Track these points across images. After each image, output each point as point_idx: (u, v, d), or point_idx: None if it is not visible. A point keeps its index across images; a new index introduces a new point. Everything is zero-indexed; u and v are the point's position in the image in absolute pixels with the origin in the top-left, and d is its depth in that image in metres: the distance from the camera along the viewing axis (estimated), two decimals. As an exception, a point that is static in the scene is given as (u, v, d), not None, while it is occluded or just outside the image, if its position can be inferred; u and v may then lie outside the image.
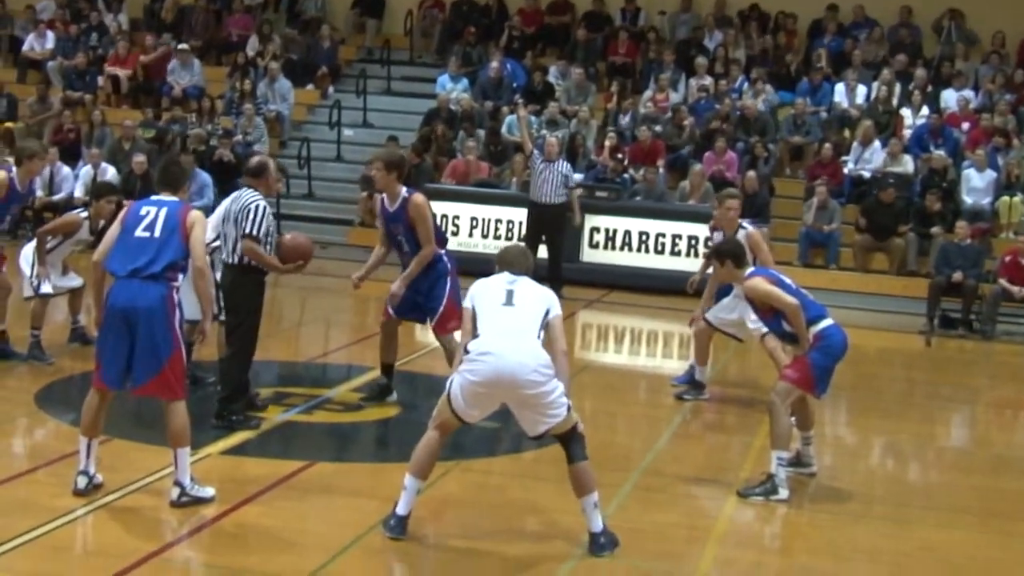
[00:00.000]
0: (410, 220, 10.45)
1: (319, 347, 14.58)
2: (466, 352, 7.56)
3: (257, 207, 9.66)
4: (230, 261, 9.78)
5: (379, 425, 10.64)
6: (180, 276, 7.93)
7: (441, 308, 10.60)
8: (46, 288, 11.85)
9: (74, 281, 12.35)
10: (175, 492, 7.93)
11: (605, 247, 19.65)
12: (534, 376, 7.34)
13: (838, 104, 22.76)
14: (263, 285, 9.95)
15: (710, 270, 12.11)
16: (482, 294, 7.70)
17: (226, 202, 10.04)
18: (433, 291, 10.66)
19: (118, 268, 7.87)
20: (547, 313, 7.59)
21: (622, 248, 19.61)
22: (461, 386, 7.50)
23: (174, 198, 8.12)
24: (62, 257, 12.14)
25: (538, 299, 7.65)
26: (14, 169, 11.26)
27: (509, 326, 7.50)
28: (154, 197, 8.15)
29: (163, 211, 7.96)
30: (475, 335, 7.57)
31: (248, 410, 10.10)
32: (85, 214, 12.07)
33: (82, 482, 7.97)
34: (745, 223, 11.81)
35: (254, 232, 9.62)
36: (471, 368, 7.46)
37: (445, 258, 10.75)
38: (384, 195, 10.64)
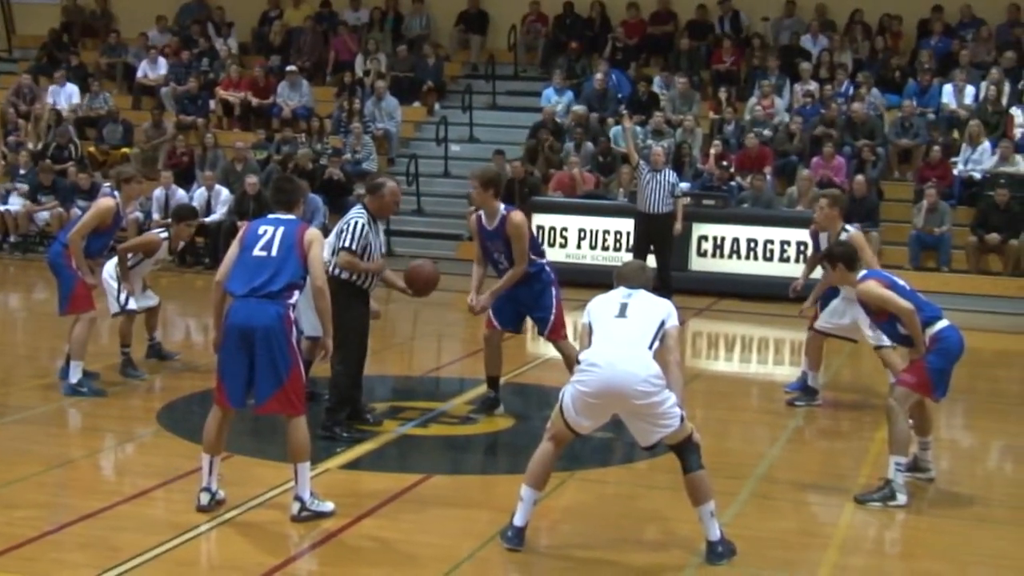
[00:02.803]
0: (508, 238, 10.47)
1: (432, 361, 14.65)
2: (578, 363, 7.58)
3: (356, 223, 9.71)
4: (334, 273, 9.81)
5: (493, 437, 10.65)
6: (296, 294, 8.00)
7: (552, 317, 10.64)
8: (132, 305, 12.09)
9: (151, 300, 12.56)
10: (296, 507, 8.00)
11: (713, 255, 19.53)
12: (643, 387, 7.30)
13: (946, 105, 22.41)
14: (365, 297, 9.95)
15: (814, 274, 12.01)
16: (598, 308, 7.71)
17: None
18: (540, 301, 10.68)
19: (236, 287, 7.96)
20: (662, 324, 7.56)
21: (730, 256, 19.48)
22: (572, 397, 7.50)
23: (290, 216, 8.20)
24: (142, 275, 12.35)
25: (653, 310, 7.62)
26: (117, 194, 11.47)
27: (620, 337, 7.49)
28: (271, 216, 8.24)
29: (280, 230, 8.04)
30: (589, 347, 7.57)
31: (355, 423, 10.18)
32: (165, 235, 12.28)
33: (205, 498, 8.08)
34: (848, 226, 11.68)
35: (351, 246, 9.66)
36: (581, 379, 7.46)
37: (547, 268, 10.78)
38: (482, 212, 10.66)
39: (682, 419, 7.45)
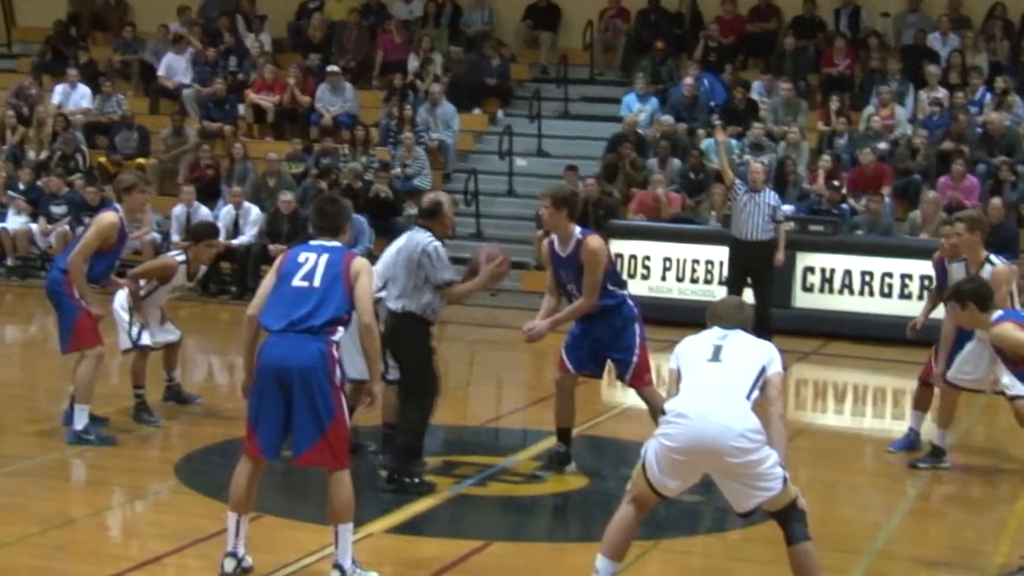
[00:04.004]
0: (582, 266, 10.51)
1: (491, 409, 14.67)
2: (663, 414, 7.56)
3: (437, 249, 9.95)
4: (397, 309, 10.01)
5: (562, 499, 10.67)
6: (340, 330, 8.06)
7: (634, 360, 10.62)
8: (146, 340, 12.16)
9: (171, 335, 12.61)
10: (335, 576, 8.03)
11: (821, 290, 19.45)
12: (740, 442, 7.28)
13: (1100, 116, 22.27)
14: (431, 332, 10.15)
15: (936, 313, 11.90)
16: (687, 351, 7.71)
17: (394, 246, 10.26)
18: (621, 340, 10.68)
19: (272, 322, 8.01)
20: (763, 370, 7.54)
21: (842, 291, 19.41)
22: (657, 453, 7.48)
23: (335, 243, 8.28)
24: (158, 305, 12.42)
25: (752, 354, 7.62)
26: (120, 208, 11.57)
27: (713, 385, 7.48)
28: (313, 242, 8.31)
29: (324, 258, 8.10)
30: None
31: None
32: (182, 258, 12.38)
33: (230, 565, 8.08)
34: (993, 256, 11.54)
35: (449, 280, 9.99)
36: (667, 432, 7.45)
37: (629, 301, 10.78)
38: (555, 237, 10.71)
39: (785, 481, 7.41)
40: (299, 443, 7.97)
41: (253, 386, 8.07)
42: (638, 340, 10.70)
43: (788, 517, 7.49)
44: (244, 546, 8.15)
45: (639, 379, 10.72)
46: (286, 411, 7.92)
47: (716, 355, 7.61)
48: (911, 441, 12.14)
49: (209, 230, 12.95)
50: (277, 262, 8.31)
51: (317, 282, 8.03)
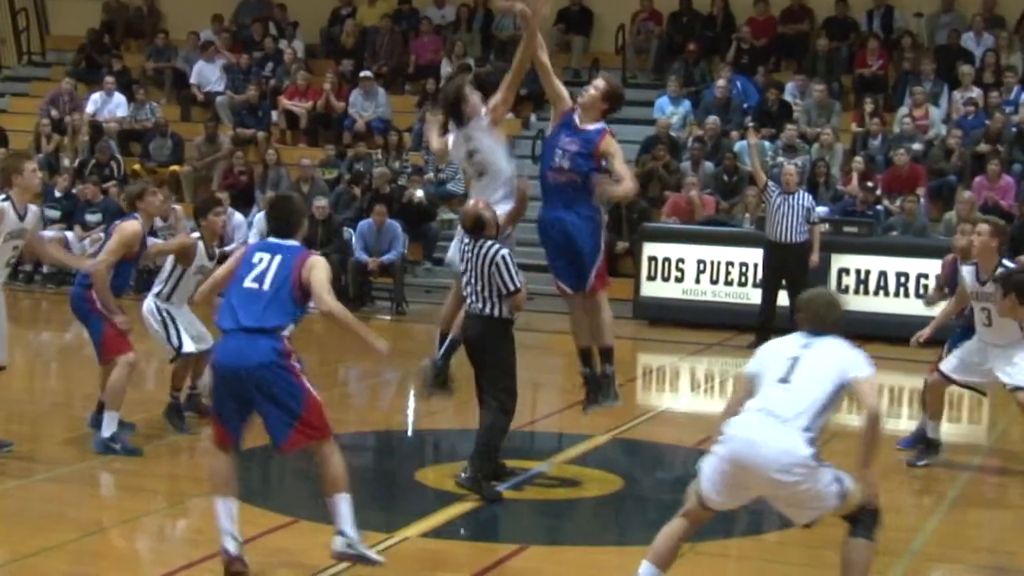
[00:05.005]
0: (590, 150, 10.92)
1: (527, 413, 14.63)
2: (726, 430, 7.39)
3: (504, 258, 10.27)
4: (485, 312, 10.30)
5: (600, 502, 10.65)
6: (291, 326, 8.06)
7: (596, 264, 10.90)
8: (189, 347, 12.13)
9: (203, 343, 12.58)
10: (339, 542, 7.97)
11: (856, 291, 19.39)
12: (783, 476, 7.14)
13: None
14: (513, 332, 10.47)
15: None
16: (766, 361, 7.51)
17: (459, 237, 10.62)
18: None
19: (225, 322, 8.06)
20: (840, 387, 7.32)
21: (876, 292, 19.35)
22: (710, 464, 7.38)
23: (292, 242, 8.26)
24: (188, 293, 12.31)
25: (829, 369, 7.35)
26: (139, 216, 11.62)
27: (773, 410, 7.25)
28: (271, 240, 8.33)
29: (276, 260, 8.10)
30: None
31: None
32: (197, 234, 12.34)
33: (232, 545, 7.99)
34: (1007, 261, 11.48)
35: (517, 286, 10.21)
36: (718, 450, 7.33)
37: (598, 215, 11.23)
38: (580, 110, 11.02)
39: (843, 496, 7.27)
40: (277, 434, 7.97)
41: (213, 383, 8.13)
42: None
43: (856, 518, 7.44)
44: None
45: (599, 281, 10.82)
46: (244, 403, 7.95)
47: (788, 374, 7.33)
48: (920, 435, 12.09)
49: (210, 201, 12.98)
50: (236, 255, 8.44)
51: (266, 285, 8.03)
